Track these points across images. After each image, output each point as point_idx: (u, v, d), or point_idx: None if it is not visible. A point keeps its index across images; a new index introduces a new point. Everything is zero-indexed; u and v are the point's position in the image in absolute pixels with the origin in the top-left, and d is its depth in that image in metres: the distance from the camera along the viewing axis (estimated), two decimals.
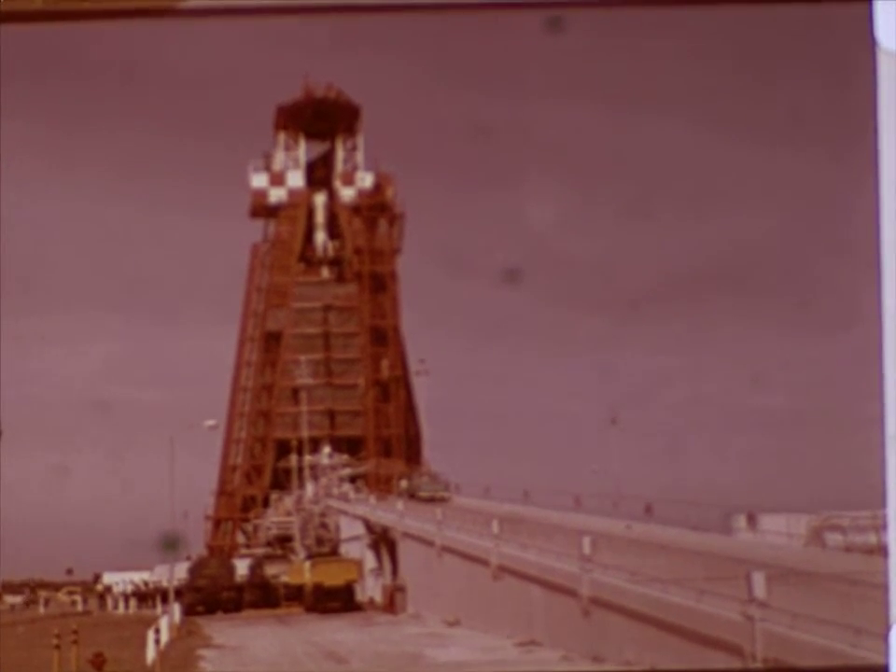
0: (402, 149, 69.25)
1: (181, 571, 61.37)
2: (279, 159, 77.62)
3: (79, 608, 64.73)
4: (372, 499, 66.53)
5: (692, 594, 30.26)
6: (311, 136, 78.16)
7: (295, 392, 73.81)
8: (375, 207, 76.07)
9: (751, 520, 42.81)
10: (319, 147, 78.94)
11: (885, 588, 17.39)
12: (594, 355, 67.23)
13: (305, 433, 72.50)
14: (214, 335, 72.42)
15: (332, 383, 74.12)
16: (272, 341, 76.23)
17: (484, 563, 45.50)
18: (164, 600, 57.00)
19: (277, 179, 77.33)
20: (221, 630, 50.43)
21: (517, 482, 58.53)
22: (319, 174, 78.45)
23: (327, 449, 73.39)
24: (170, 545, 57.47)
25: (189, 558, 64.89)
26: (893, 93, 16.45)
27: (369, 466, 72.52)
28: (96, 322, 68.92)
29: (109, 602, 65.57)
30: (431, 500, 62.47)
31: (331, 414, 74.16)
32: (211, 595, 62.07)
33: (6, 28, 18.04)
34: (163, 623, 43.02)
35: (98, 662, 34.48)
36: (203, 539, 73.87)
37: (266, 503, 74.17)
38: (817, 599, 26.09)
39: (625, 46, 54.80)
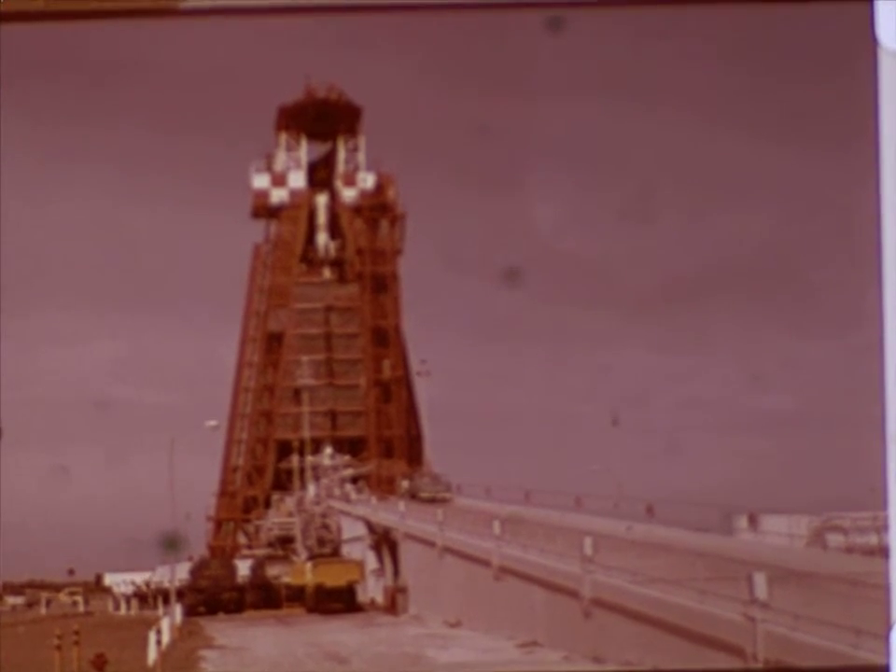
0: (403, 149, 69.30)
1: (182, 572, 61.32)
2: (281, 159, 77.59)
3: (81, 608, 64.73)
4: (374, 500, 66.48)
5: (693, 594, 30.23)
6: (312, 137, 78.16)
7: (297, 393, 73.82)
8: (377, 208, 76.06)
9: (753, 521, 42.78)
10: (321, 148, 78.96)
11: (886, 589, 17.39)
12: (595, 355, 67.29)
13: (307, 434, 72.51)
14: (215, 335, 72.43)
15: (334, 383, 74.14)
16: (273, 341, 76.25)
17: (486, 564, 45.44)
18: (166, 601, 57.00)
19: (279, 180, 77.31)
20: (223, 631, 50.38)
21: (518, 482, 58.55)
22: (321, 174, 78.45)
23: (328, 450, 73.37)
24: (171, 546, 57.54)
25: (190, 559, 64.87)
26: (894, 92, 16.43)
27: (370, 466, 72.49)
28: (97, 322, 68.96)
29: (111, 603, 65.58)
30: (433, 501, 62.41)
31: (333, 415, 74.17)
32: (212, 596, 62.03)
33: (7, 28, 18.04)
34: (165, 624, 42.99)
35: (99, 662, 34.45)
36: (205, 539, 73.90)
37: (268, 504, 74.15)
38: (818, 600, 26.07)
39: (626, 45, 54.81)
